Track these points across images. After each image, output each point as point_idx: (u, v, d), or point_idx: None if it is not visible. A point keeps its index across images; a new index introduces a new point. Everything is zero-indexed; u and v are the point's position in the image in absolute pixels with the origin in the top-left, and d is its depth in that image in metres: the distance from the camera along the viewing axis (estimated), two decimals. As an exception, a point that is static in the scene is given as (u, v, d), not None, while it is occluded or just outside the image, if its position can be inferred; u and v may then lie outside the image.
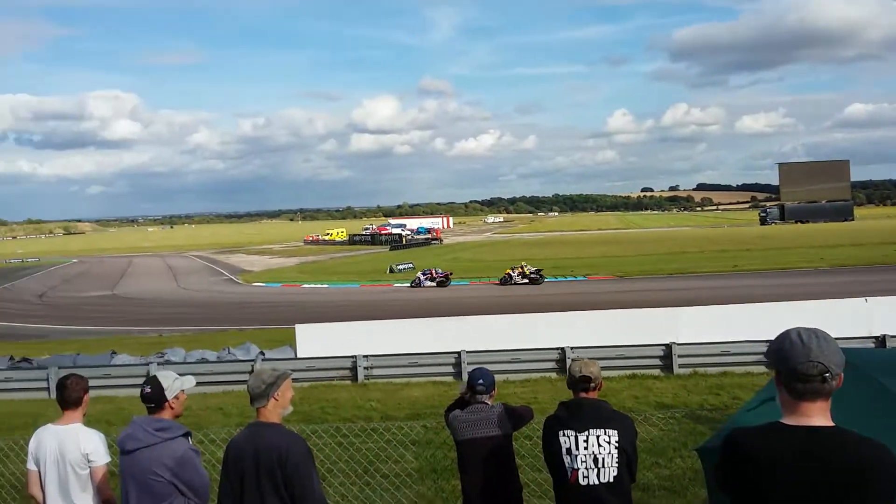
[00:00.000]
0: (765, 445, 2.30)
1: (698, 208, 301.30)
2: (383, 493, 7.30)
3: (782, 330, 2.45)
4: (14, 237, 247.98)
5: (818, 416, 2.31)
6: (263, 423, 3.89)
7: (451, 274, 45.70)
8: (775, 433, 2.32)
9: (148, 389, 4.11)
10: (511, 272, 43.43)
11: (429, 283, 44.25)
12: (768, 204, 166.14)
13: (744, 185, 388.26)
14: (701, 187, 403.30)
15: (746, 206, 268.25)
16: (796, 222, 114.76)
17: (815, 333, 2.34)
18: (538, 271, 43.16)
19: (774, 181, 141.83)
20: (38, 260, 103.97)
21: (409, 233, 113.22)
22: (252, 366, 15.46)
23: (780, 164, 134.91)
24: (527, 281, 42.49)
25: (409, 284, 45.58)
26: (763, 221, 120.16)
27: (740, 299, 24.94)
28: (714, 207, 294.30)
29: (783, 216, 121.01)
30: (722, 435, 3.46)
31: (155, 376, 4.19)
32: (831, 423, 2.31)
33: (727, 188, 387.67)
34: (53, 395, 14.74)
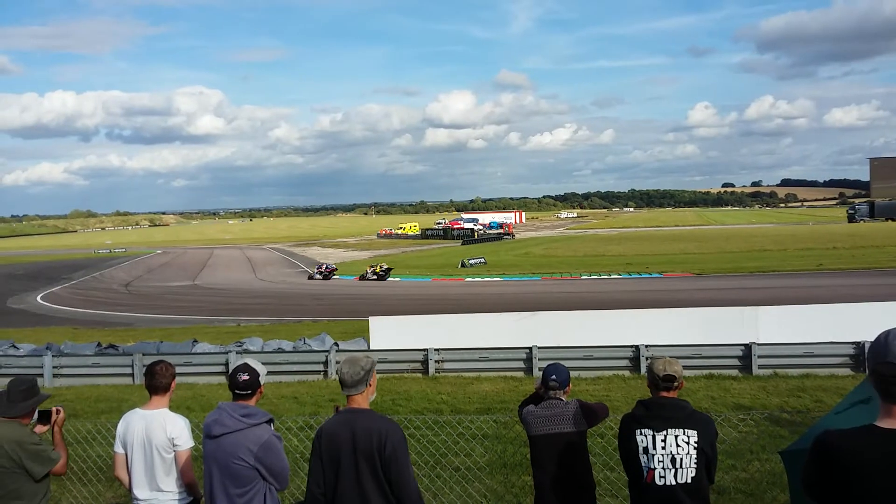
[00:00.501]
0: (859, 449, 2.21)
1: (782, 205, 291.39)
2: (454, 485, 7.33)
3: (872, 331, 2.36)
4: (103, 228, 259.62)
5: None
6: (357, 409, 3.96)
7: (335, 269, 52.22)
8: (870, 436, 2.23)
9: (246, 377, 4.20)
10: (368, 270, 50.38)
11: (318, 277, 50.71)
12: (857, 200, 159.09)
13: (831, 180, 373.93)
14: (785, 183, 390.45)
15: (834, 202, 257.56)
16: (887, 220, 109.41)
17: None
18: (387, 270, 49.87)
19: (864, 177, 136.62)
20: (124, 250, 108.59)
21: (481, 227, 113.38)
22: (326, 356, 15.77)
23: (872, 159, 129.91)
24: (375, 277, 48.97)
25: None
26: (851, 219, 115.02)
27: (825, 299, 24.05)
28: (799, 204, 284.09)
29: (873, 213, 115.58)
30: (809, 438, 3.34)
31: (247, 364, 4.28)
32: None
33: (813, 184, 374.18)
34: (138, 380, 15.52)
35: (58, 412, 4.66)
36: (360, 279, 50.15)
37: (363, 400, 4.00)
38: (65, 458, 4.55)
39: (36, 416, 4.63)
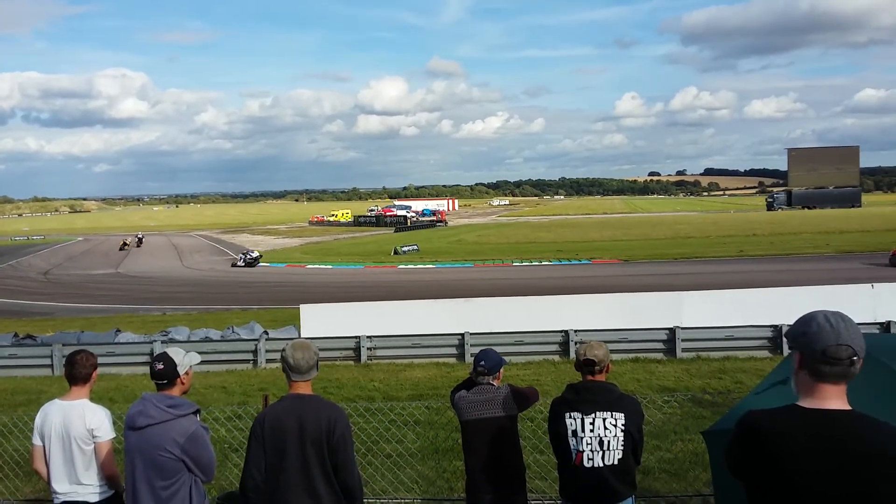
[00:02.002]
0: (783, 428, 2.27)
1: (705, 193, 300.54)
2: (385, 472, 7.33)
3: (789, 314, 2.43)
4: (20, 215, 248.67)
5: (837, 399, 2.29)
6: (303, 395, 3.90)
7: (260, 257, 52.80)
8: (793, 416, 2.30)
9: (160, 366, 4.07)
10: (239, 256, 53.23)
11: (241, 264, 51.20)
12: (776, 189, 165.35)
13: (751, 170, 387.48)
14: (708, 172, 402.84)
15: (754, 191, 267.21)
16: (803, 208, 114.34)
17: (842, 317, 2.33)
18: (256, 258, 51.65)
19: (782, 167, 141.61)
20: (43, 237, 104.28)
21: (413, 215, 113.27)
22: (256, 345, 15.52)
23: (789, 150, 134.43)
24: (243, 264, 50.71)
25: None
26: (770, 207, 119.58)
27: (745, 284, 24.96)
28: (721, 192, 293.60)
29: (790, 202, 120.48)
30: (732, 418, 3.44)
31: (165, 353, 4.15)
32: (849, 407, 2.29)
33: (735, 173, 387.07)
34: (57, 372, 14.98)
35: None
36: (231, 266, 51.79)
37: (308, 386, 3.95)
38: None
39: None
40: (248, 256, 52.75)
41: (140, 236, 78.70)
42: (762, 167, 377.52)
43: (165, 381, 4.08)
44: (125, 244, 73.73)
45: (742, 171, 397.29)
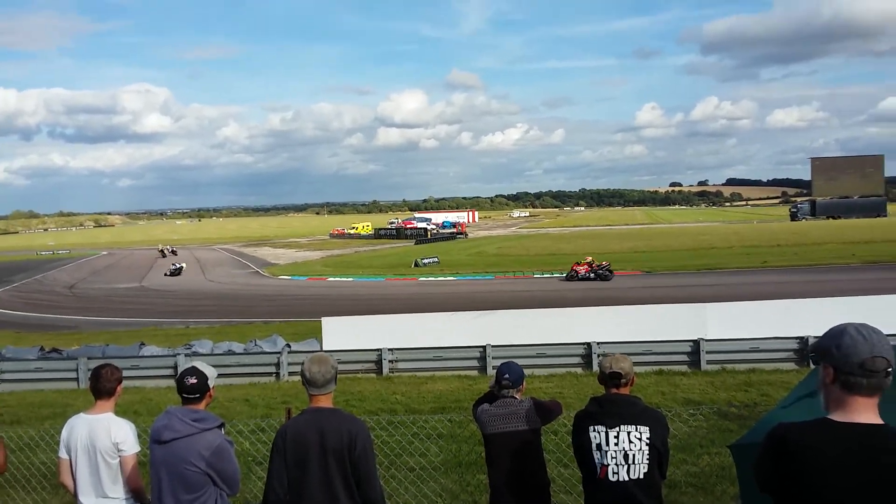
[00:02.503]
0: (813, 442, 2.24)
1: (727, 203, 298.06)
2: (409, 485, 7.30)
3: (815, 326, 2.42)
4: (46, 229, 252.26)
5: (869, 412, 2.27)
6: (324, 409, 3.92)
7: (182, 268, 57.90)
8: (824, 430, 2.27)
9: (194, 380, 4.09)
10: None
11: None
12: (799, 199, 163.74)
13: (774, 180, 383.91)
14: (731, 182, 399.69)
15: (777, 201, 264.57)
16: (828, 218, 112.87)
17: (872, 329, 2.32)
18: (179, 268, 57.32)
19: (806, 176, 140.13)
20: (68, 252, 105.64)
21: (434, 227, 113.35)
22: (278, 358, 15.58)
23: (813, 159, 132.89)
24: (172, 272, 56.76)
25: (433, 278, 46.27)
26: (794, 217, 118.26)
27: (770, 296, 24.69)
28: (744, 203, 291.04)
29: (814, 212, 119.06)
30: (759, 431, 3.39)
31: (195, 367, 4.18)
32: (881, 421, 2.26)
33: (757, 183, 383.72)
34: (83, 385, 15.12)
35: None
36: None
37: (329, 399, 3.96)
38: (2, 456, 4.40)
39: None
40: (173, 267, 59.34)
41: (171, 249, 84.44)
42: (785, 177, 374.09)
43: (197, 396, 4.10)
44: (163, 253, 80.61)
45: (765, 180, 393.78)
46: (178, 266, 60.70)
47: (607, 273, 41.18)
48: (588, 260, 42.36)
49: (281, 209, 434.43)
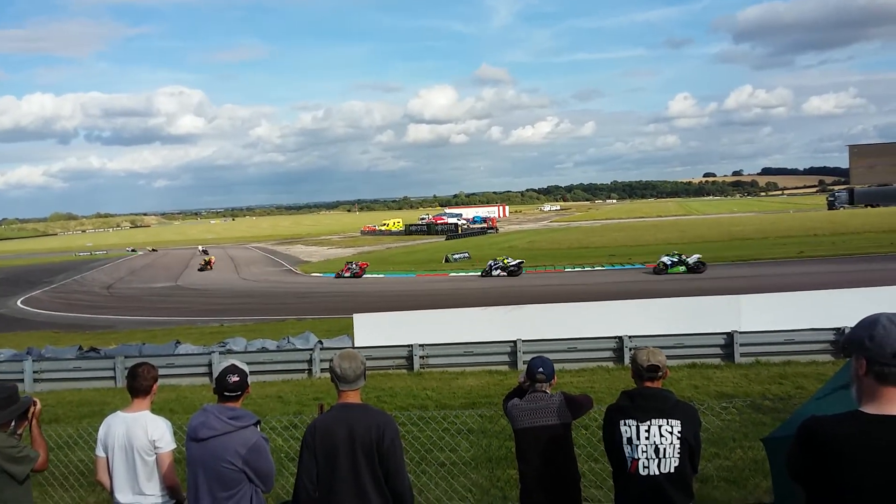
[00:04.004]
0: (845, 435, 2.22)
1: (763, 193, 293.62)
2: (440, 480, 7.33)
3: (852, 317, 2.37)
4: (84, 230, 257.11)
5: None
6: (352, 404, 3.97)
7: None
8: (857, 422, 2.24)
9: (236, 378, 4.14)
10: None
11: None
12: (837, 188, 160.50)
13: (811, 168, 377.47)
14: (766, 172, 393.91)
15: (814, 190, 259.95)
16: (866, 206, 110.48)
17: None
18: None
19: (844, 164, 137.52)
20: (106, 252, 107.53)
21: (464, 222, 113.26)
22: (311, 355, 15.72)
23: (850, 147, 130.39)
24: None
25: (476, 274, 46.47)
26: (831, 206, 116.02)
27: (805, 286, 24.25)
28: (779, 192, 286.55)
29: (852, 200, 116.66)
30: (793, 424, 3.35)
31: (235, 364, 4.23)
32: None
33: (793, 172, 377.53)
34: (120, 383, 15.38)
35: (34, 404, 4.59)
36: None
37: (357, 395, 4.01)
38: (45, 453, 4.48)
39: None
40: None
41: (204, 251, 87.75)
42: (822, 165, 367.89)
43: (238, 393, 4.16)
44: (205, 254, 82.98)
45: (801, 169, 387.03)
46: (207, 261, 65.29)
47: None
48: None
49: (313, 207, 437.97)
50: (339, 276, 49.91)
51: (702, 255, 40.67)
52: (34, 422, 4.57)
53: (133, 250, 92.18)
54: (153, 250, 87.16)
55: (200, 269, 63.59)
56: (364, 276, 48.82)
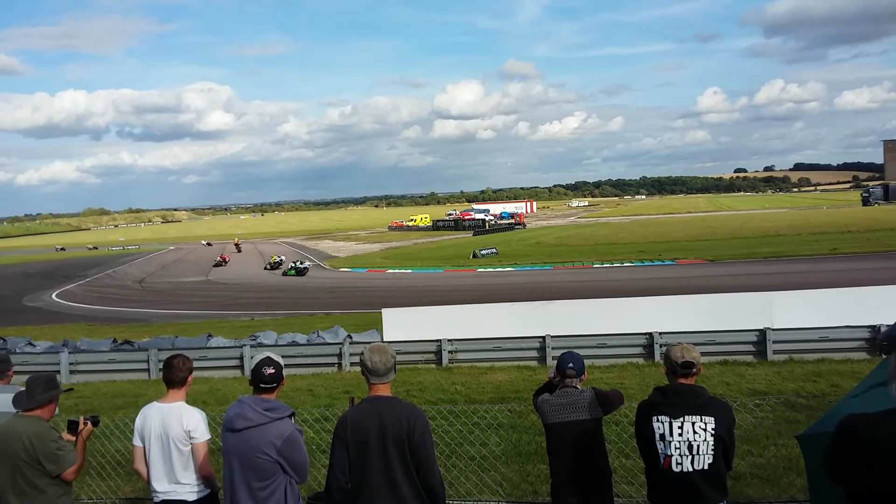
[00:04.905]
0: (884, 433, 2.19)
1: (795, 189, 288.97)
2: (470, 474, 7.35)
3: (887, 314, 2.34)
4: (116, 225, 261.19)
5: None
6: (382, 397, 4.00)
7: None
8: (893, 420, 2.21)
9: (272, 370, 4.19)
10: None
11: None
12: (871, 183, 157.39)
13: (845, 164, 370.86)
14: (798, 167, 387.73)
15: (847, 186, 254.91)
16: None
17: None
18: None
19: (878, 159, 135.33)
20: (138, 247, 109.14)
21: (492, 218, 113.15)
22: (340, 349, 15.83)
23: (885, 142, 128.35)
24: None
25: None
26: (865, 202, 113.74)
27: (840, 283, 23.85)
28: (812, 188, 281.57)
29: (887, 196, 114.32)
30: (828, 421, 3.32)
31: (270, 357, 4.28)
32: None
33: (826, 168, 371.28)
34: (154, 375, 15.62)
35: (85, 423, 4.72)
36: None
37: (387, 388, 4.04)
38: (77, 466, 4.57)
39: (66, 425, 4.73)
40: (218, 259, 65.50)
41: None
42: (856, 160, 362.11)
43: (274, 385, 4.21)
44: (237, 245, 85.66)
45: (834, 165, 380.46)
46: (221, 259, 66.54)
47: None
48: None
49: (340, 202, 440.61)
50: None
51: (733, 253, 40.31)
52: (80, 438, 4.69)
53: (209, 244, 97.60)
54: (209, 244, 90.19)
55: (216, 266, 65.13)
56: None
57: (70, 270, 68.85)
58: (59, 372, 15.74)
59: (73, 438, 4.69)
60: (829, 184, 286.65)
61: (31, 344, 18.88)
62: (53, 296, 47.34)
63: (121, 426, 7.65)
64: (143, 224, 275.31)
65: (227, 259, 66.93)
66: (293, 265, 52.50)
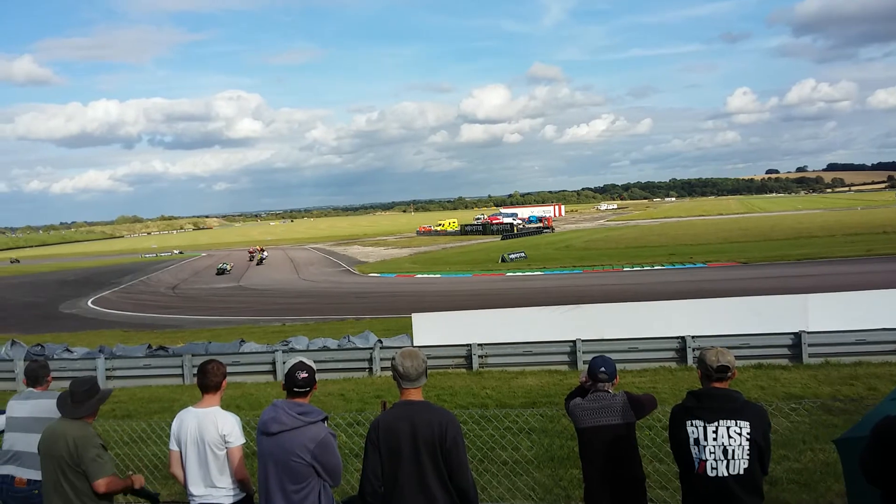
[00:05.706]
0: None
1: (829, 190, 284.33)
2: (503, 478, 7.34)
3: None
4: (149, 233, 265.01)
5: None
6: (414, 402, 4.03)
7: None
8: None
9: (305, 374, 4.23)
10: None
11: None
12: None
13: (879, 163, 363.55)
14: (831, 167, 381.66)
15: (882, 186, 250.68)
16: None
17: None
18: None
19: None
20: (170, 254, 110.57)
21: (520, 222, 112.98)
22: (371, 354, 15.89)
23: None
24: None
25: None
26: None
27: (876, 285, 23.41)
28: (846, 189, 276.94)
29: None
30: (866, 425, 3.28)
31: (303, 361, 4.31)
32: None
33: (861, 168, 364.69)
34: (188, 381, 15.77)
35: (137, 479, 4.86)
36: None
37: (419, 393, 4.06)
38: (108, 481, 4.60)
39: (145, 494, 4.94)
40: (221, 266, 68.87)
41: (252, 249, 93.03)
42: (891, 160, 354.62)
43: (307, 389, 4.25)
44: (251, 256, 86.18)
45: (869, 164, 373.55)
46: (224, 266, 69.71)
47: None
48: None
49: (369, 208, 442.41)
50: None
51: (766, 255, 39.81)
52: (132, 484, 4.80)
53: (261, 249, 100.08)
54: (261, 250, 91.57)
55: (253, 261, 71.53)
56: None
57: (105, 277, 70.01)
58: (95, 378, 15.96)
59: (123, 488, 4.78)
60: (864, 184, 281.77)
61: (68, 350, 19.20)
62: (89, 303, 48.19)
63: (157, 430, 7.76)
64: (175, 231, 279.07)
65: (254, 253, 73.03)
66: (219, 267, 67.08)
